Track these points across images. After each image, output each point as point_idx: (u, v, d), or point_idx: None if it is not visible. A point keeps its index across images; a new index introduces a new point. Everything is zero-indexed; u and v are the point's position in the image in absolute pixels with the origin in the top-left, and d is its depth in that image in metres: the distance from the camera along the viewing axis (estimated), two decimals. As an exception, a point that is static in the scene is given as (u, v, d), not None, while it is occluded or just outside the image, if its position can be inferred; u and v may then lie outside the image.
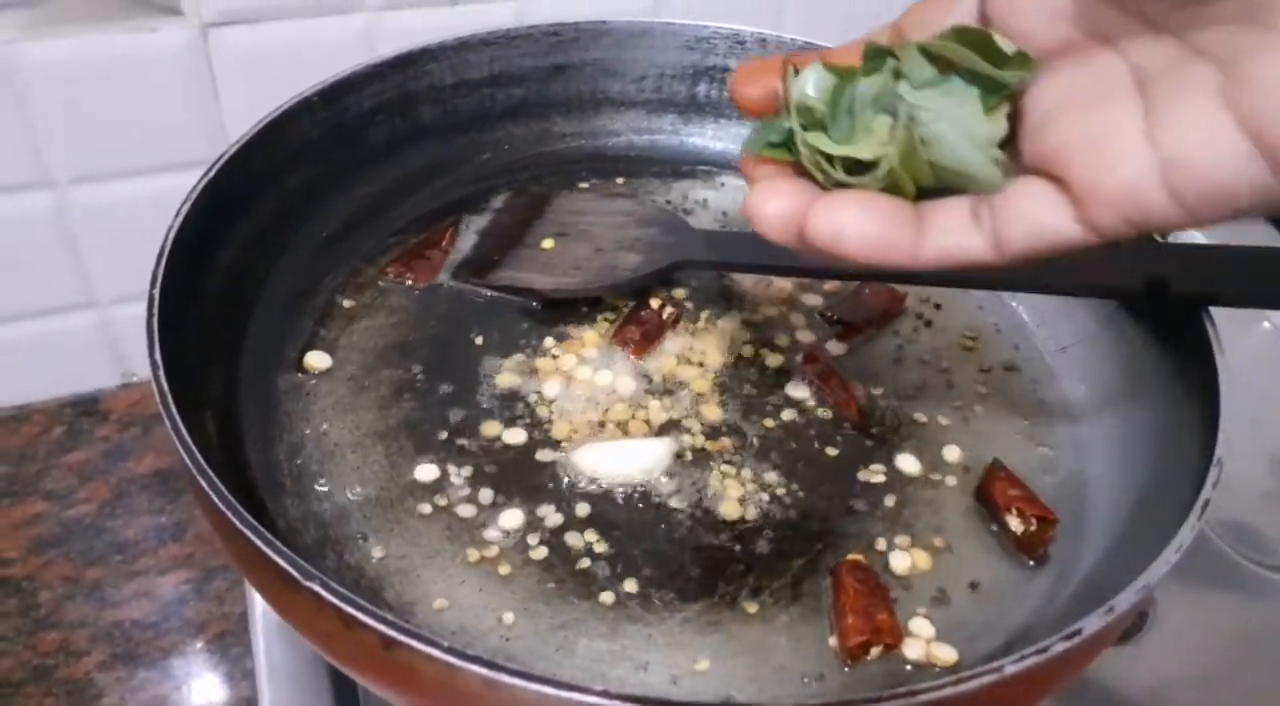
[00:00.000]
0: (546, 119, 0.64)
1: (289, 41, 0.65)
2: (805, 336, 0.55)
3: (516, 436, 0.48)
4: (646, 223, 0.58)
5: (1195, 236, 0.71)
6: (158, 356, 0.40)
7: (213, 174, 0.48)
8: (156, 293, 0.42)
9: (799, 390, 0.52)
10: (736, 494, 0.47)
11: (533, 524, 0.45)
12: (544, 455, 0.48)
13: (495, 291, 0.55)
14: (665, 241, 0.56)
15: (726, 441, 0.49)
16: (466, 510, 0.45)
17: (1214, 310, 0.47)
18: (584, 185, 0.64)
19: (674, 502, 0.46)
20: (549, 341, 0.53)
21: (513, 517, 0.45)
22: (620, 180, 0.64)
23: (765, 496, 0.47)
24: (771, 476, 0.48)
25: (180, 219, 0.45)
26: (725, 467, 0.48)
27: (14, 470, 0.68)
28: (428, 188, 0.61)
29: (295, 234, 0.54)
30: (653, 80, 0.65)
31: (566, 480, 0.47)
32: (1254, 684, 0.53)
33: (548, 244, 0.57)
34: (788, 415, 0.51)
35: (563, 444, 0.48)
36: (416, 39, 0.59)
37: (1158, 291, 0.47)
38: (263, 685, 0.50)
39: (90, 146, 0.64)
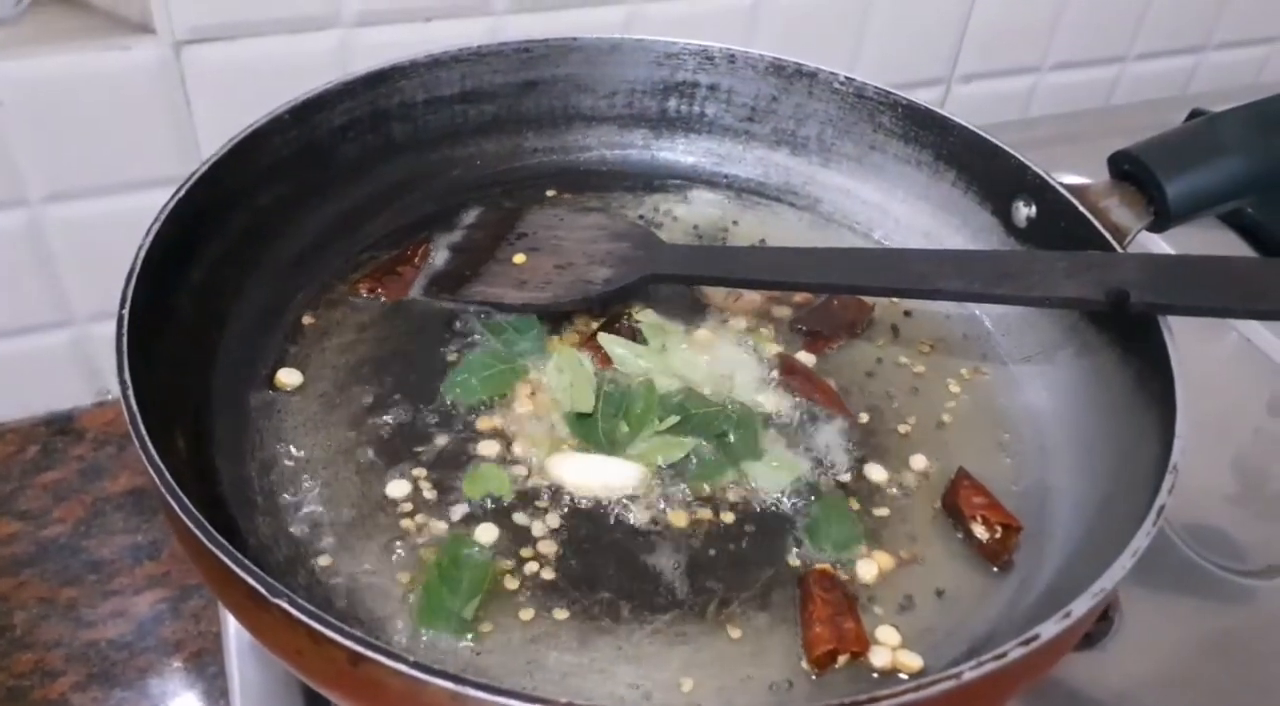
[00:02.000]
0: (518, 135, 0.65)
1: (262, 59, 0.65)
2: (776, 347, 0.56)
3: (489, 450, 0.49)
4: (617, 237, 0.58)
5: (1159, 245, 0.72)
6: (127, 376, 0.40)
7: (183, 192, 0.48)
8: (126, 312, 0.42)
9: (772, 400, 0.53)
10: (705, 504, 0.47)
11: (504, 538, 0.45)
12: (515, 469, 0.48)
13: (466, 306, 0.55)
14: (636, 255, 0.57)
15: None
16: (438, 526, 0.46)
17: (1178, 320, 0.48)
18: (555, 199, 0.64)
19: (642, 515, 0.47)
20: (519, 356, 0.53)
21: (486, 532, 0.45)
22: (592, 195, 0.65)
23: (732, 508, 0.48)
24: (738, 487, 0.49)
25: (150, 238, 0.46)
26: (694, 482, 0.49)
27: (-12, 489, 0.68)
28: (399, 204, 0.61)
29: (267, 251, 0.55)
30: (624, 96, 0.66)
31: (537, 495, 0.47)
32: (1219, 687, 0.54)
33: (519, 258, 0.57)
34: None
35: (533, 458, 0.49)
36: (390, 55, 0.59)
37: (1118, 302, 0.48)
38: (236, 704, 0.50)
39: (64, 164, 0.64)
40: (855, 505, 0.48)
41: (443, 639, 0.42)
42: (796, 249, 0.60)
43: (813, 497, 0.48)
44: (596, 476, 0.48)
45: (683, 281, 0.57)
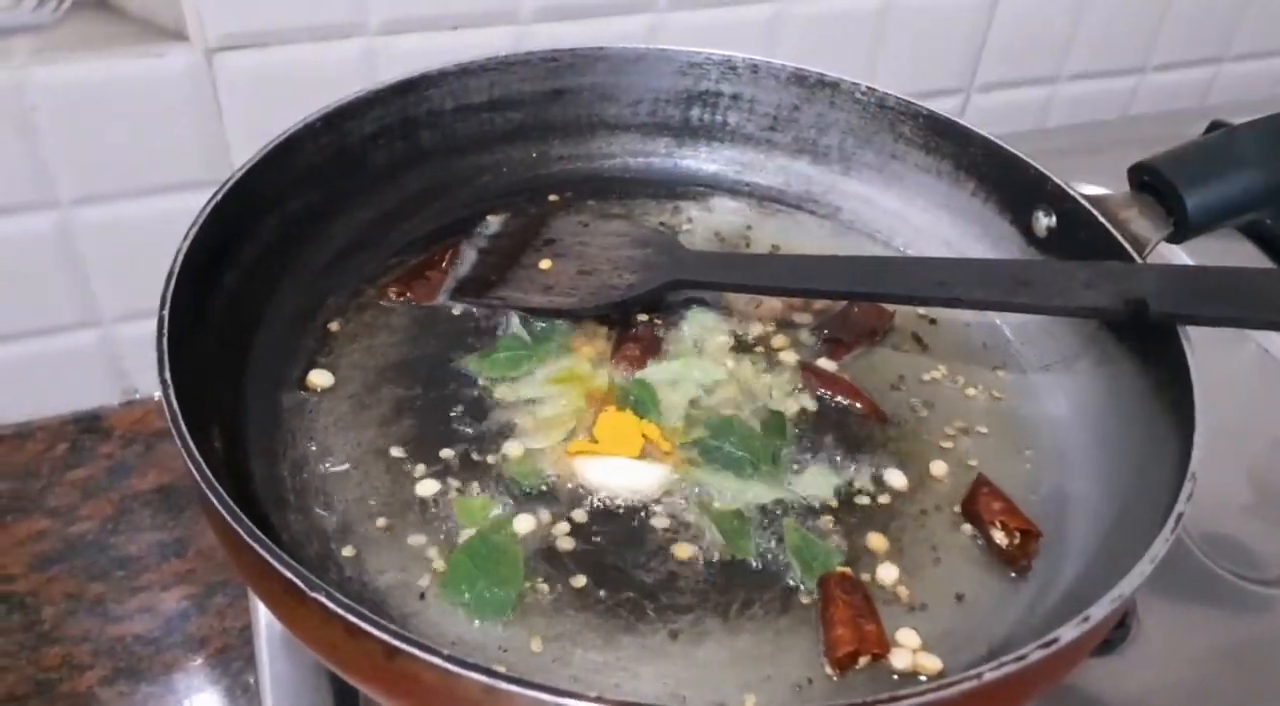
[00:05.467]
0: (544, 142, 0.66)
1: (291, 65, 0.67)
2: (797, 354, 0.56)
3: (515, 450, 0.50)
4: (641, 243, 0.59)
5: (1178, 256, 0.72)
6: (168, 376, 0.41)
7: (219, 197, 0.49)
8: (166, 314, 0.43)
9: (797, 404, 0.53)
10: (729, 508, 0.48)
11: (529, 538, 0.46)
12: (546, 469, 0.49)
13: (493, 310, 0.56)
14: (659, 261, 0.57)
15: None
16: (467, 525, 0.46)
17: (1196, 330, 0.48)
18: (579, 206, 0.65)
19: (667, 517, 0.48)
20: (547, 357, 0.54)
21: (511, 531, 0.46)
22: (615, 202, 0.66)
23: (761, 509, 0.48)
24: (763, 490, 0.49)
25: (189, 241, 0.47)
26: (719, 485, 0.49)
27: (18, 487, 0.69)
28: (428, 210, 0.62)
29: (298, 255, 0.56)
30: (648, 105, 0.67)
31: (563, 495, 0.48)
32: (1234, 695, 0.54)
33: (545, 264, 0.58)
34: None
35: (560, 459, 0.49)
36: (416, 62, 0.60)
37: (1136, 312, 0.48)
38: (266, 697, 0.51)
39: (95, 167, 0.65)
40: (832, 522, 0.48)
41: (471, 634, 0.42)
42: (819, 256, 0.60)
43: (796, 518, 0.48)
44: (622, 478, 0.48)
45: (706, 288, 0.58)
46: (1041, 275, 0.53)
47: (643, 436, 0.50)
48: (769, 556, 0.46)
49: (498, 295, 0.57)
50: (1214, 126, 0.82)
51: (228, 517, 0.36)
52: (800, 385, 0.54)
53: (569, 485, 0.48)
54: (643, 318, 0.57)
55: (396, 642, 0.33)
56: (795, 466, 0.50)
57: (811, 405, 0.54)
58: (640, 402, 0.52)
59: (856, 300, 0.58)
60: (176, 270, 0.45)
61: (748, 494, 0.49)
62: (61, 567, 0.66)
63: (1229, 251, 0.80)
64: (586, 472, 0.49)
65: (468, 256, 0.60)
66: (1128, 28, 0.96)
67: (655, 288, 0.56)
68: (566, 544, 0.46)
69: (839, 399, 0.54)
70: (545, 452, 0.50)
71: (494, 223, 0.62)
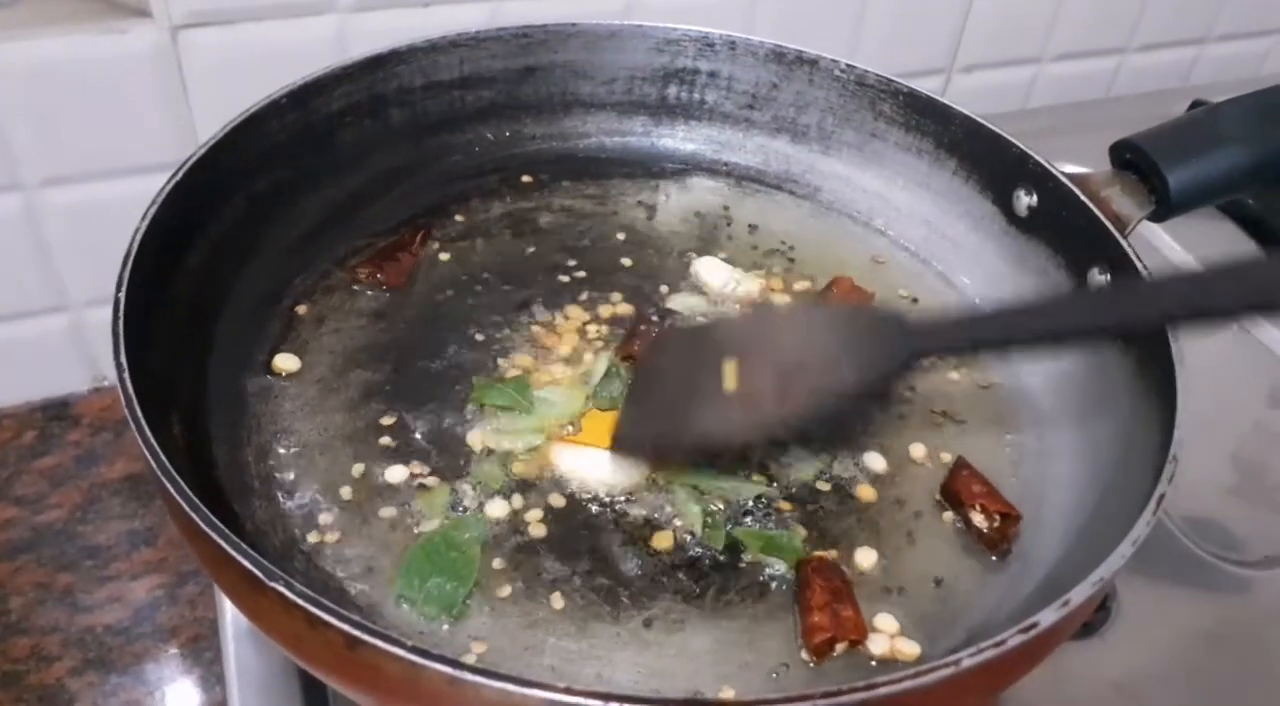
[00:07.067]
0: (517, 121, 0.65)
1: (259, 43, 0.65)
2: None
3: (486, 439, 0.49)
4: (846, 323, 0.48)
5: (1159, 235, 0.72)
6: (123, 359, 0.40)
7: (179, 177, 0.48)
8: (122, 296, 0.42)
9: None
10: (706, 496, 0.47)
11: (502, 525, 0.45)
12: (515, 459, 0.48)
13: (690, 456, 0.48)
14: (884, 341, 0.46)
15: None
16: (435, 513, 0.45)
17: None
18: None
19: (643, 507, 0.47)
20: (521, 345, 0.53)
21: (483, 519, 0.45)
22: (591, 182, 0.64)
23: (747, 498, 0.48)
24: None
25: (146, 222, 0.45)
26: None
27: (-16, 475, 0.68)
28: (398, 190, 0.61)
29: (264, 236, 0.54)
30: (623, 82, 0.66)
31: (537, 484, 0.47)
32: (1216, 676, 0.54)
33: (730, 382, 0.46)
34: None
35: (533, 448, 0.48)
36: (388, 40, 0.59)
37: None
38: (233, 690, 0.50)
39: (60, 149, 0.64)
40: (789, 506, 0.47)
41: (440, 624, 0.41)
42: (1052, 298, 0.53)
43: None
44: (596, 470, 0.47)
45: (943, 354, 0.50)
46: None
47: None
48: (742, 545, 0.46)
49: (692, 436, 0.46)
50: (1196, 106, 0.81)
51: (184, 505, 0.35)
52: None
53: (543, 474, 0.48)
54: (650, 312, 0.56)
55: (357, 633, 0.32)
56: (775, 451, 0.49)
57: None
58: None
59: (1110, 336, 0.50)
60: (134, 252, 0.44)
61: (723, 486, 0.48)
62: (29, 557, 0.65)
63: (1211, 231, 0.79)
64: (562, 462, 0.48)
65: (626, 404, 0.49)
66: (1110, 8, 0.95)
67: (895, 368, 0.46)
68: (539, 531, 0.45)
69: None
70: (519, 440, 0.49)
71: (615, 302, 0.54)
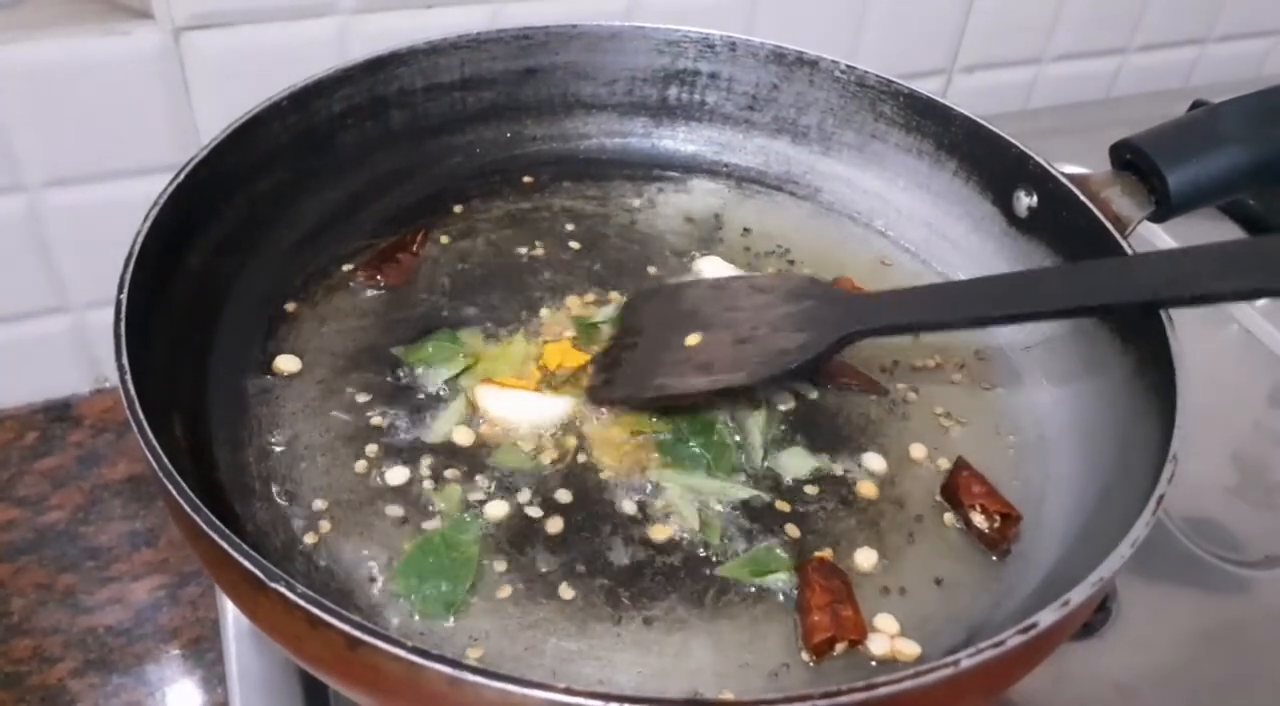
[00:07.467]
0: (518, 122, 0.65)
1: (262, 45, 0.65)
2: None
3: (483, 438, 0.49)
4: (797, 297, 0.52)
5: (1160, 235, 0.72)
6: (125, 361, 0.40)
7: (180, 179, 0.48)
8: (124, 298, 0.42)
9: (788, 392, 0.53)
10: (704, 495, 0.48)
11: (502, 526, 0.45)
12: (521, 456, 0.48)
13: (652, 403, 0.50)
14: (828, 313, 0.51)
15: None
16: (436, 514, 0.45)
17: (1177, 311, 0.48)
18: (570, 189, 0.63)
19: (642, 506, 0.47)
20: (521, 347, 0.53)
21: (483, 519, 0.45)
22: (591, 183, 0.65)
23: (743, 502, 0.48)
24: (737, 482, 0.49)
25: (148, 223, 0.45)
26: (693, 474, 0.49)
27: (-14, 476, 0.68)
28: (398, 191, 0.61)
29: (265, 237, 0.54)
30: (624, 84, 0.66)
31: (537, 482, 0.47)
32: (1216, 677, 0.54)
33: (692, 340, 0.51)
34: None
35: (532, 445, 0.49)
36: (390, 42, 0.59)
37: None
38: (234, 690, 0.50)
39: (62, 150, 0.64)
40: (786, 507, 0.48)
41: (440, 625, 0.42)
42: (1002, 276, 0.54)
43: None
44: (522, 411, 0.49)
45: (887, 333, 0.52)
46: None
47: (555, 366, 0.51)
48: (740, 546, 0.46)
49: (654, 385, 0.50)
50: (1196, 107, 0.81)
51: (186, 506, 0.35)
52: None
53: (543, 473, 0.48)
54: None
55: (358, 633, 0.32)
56: (773, 450, 0.50)
57: (804, 390, 0.53)
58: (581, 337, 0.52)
59: (1056, 319, 0.53)
60: (135, 253, 0.44)
61: (712, 487, 0.48)
62: (31, 558, 0.65)
63: (1210, 232, 0.79)
64: (489, 406, 0.49)
65: (597, 353, 0.53)
66: (1111, 8, 0.95)
67: (833, 343, 0.49)
68: (540, 531, 0.45)
69: (836, 381, 0.53)
70: (520, 438, 0.49)
71: (606, 306, 0.56)
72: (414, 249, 0.58)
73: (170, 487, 0.36)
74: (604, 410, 0.50)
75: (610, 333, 0.54)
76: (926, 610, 0.44)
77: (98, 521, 0.67)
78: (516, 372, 0.52)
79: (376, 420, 0.49)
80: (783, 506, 0.47)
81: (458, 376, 0.51)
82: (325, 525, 0.45)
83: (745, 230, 0.63)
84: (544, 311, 0.55)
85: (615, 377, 0.51)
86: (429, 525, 0.45)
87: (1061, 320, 0.54)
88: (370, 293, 0.55)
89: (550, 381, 0.51)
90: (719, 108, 0.66)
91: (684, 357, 0.51)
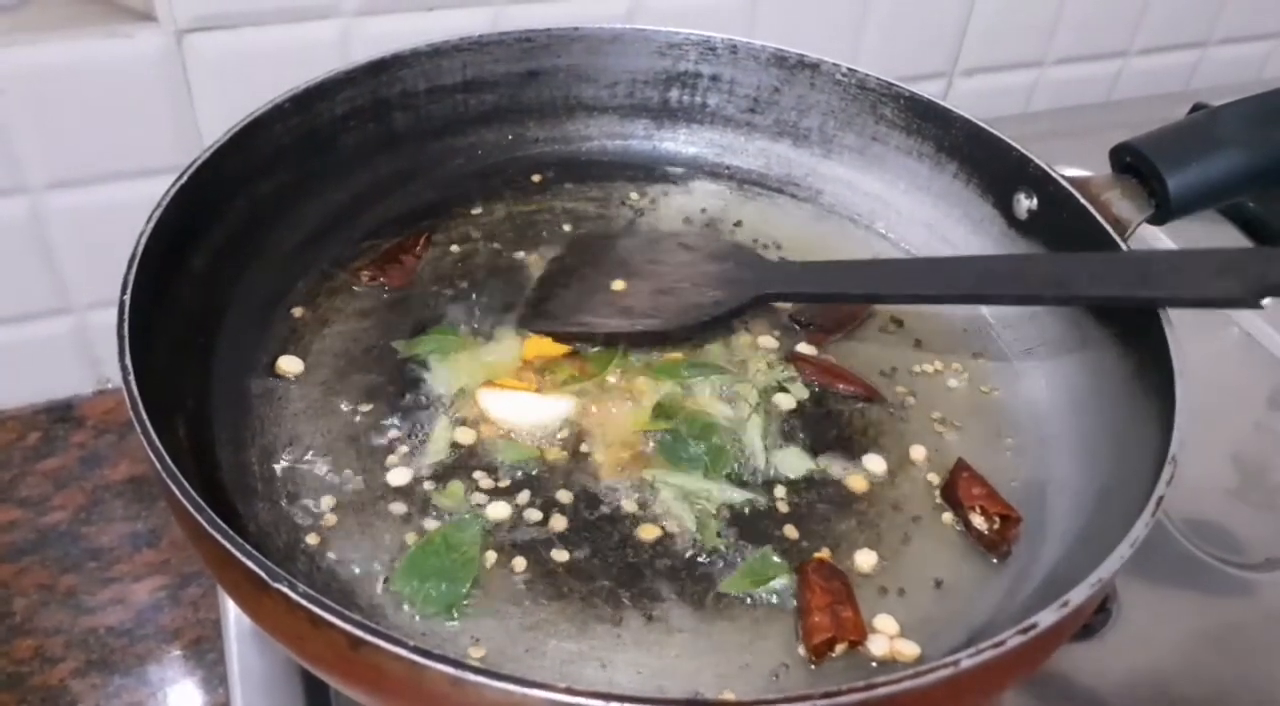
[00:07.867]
0: (520, 124, 0.65)
1: (264, 47, 0.65)
2: (775, 341, 0.56)
3: (484, 439, 0.49)
4: (719, 258, 0.57)
5: (1161, 238, 0.72)
6: (128, 362, 0.40)
7: (183, 181, 0.48)
8: (127, 299, 0.42)
9: (789, 393, 0.53)
10: (705, 497, 0.48)
11: (502, 526, 0.46)
12: (524, 457, 0.48)
13: (571, 338, 0.53)
14: (743, 275, 0.55)
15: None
16: (437, 515, 0.46)
17: (1179, 314, 0.48)
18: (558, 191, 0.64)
19: (642, 507, 0.47)
20: (521, 347, 0.53)
21: (484, 520, 0.46)
22: (593, 185, 0.65)
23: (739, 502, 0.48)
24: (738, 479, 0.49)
25: (151, 225, 0.46)
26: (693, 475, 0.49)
27: (-12, 477, 0.68)
28: (401, 193, 0.61)
29: (268, 239, 0.55)
30: (625, 86, 0.66)
31: (538, 484, 0.47)
32: (1216, 678, 0.54)
33: (618, 285, 0.55)
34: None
35: (538, 448, 0.49)
36: (392, 44, 0.59)
37: (1260, 295, 0.46)
38: (235, 691, 0.50)
39: (65, 152, 0.64)
40: (785, 508, 0.48)
41: (442, 625, 0.42)
42: (912, 260, 0.59)
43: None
44: (524, 413, 0.49)
45: (795, 299, 0.56)
46: (1164, 267, 0.49)
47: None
48: (738, 547, 0.46)
49: (575, 321, 0.54)
50: (1197, 109, 0.82)
51: (188, 507, 0.35)
52: (793, 374, 0.54)
53: (544, 474, 0.48)
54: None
55: (361, 633, 0.32)
56: (772, 451, 0.50)
57: (804, 393, 0.53)
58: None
59: (960, 304, 0.56)
60: (138, 254, 0.44)
61: (711, 489, 0.48)
62: (33, 559, 0.65)
63: (1210, 234, 0.79)
64: (490, 407, 0.49)
65: (531, 281, 0.57)
66: (1111, 11, 0.96)
67: (745, 302, 0.54)
68: (540, 532, 0.45)
69: (835, 386, 0.53)
70: (521, 440, 0.49)
71: (552, 246, 0.60)
72: (416, 251, 0.58)
73: (173, 487, 0.36)
74: (603, 410, 0.50)
75: (548, 268, 0.58)
76: (926, 611, 0.44)
77: (99, 522, 0.67)
78: (510, 371, 0.52)
79: (379, 421, 0.49)
80: (782, 507, 0.48)
81: (459, 378, 0.51)
82: (327, 525, 0.45)
83: (744, 227, 0.63)
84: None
85: (544, 310, 0.55)
86: (430, 525, 0.45)
87: (987, 305, 0.58)
88: (373, 294, 0.56)
89: (550, 382, 0.51)
90: (720, 110, 0.67)
91: (609, 300, 0.54)
